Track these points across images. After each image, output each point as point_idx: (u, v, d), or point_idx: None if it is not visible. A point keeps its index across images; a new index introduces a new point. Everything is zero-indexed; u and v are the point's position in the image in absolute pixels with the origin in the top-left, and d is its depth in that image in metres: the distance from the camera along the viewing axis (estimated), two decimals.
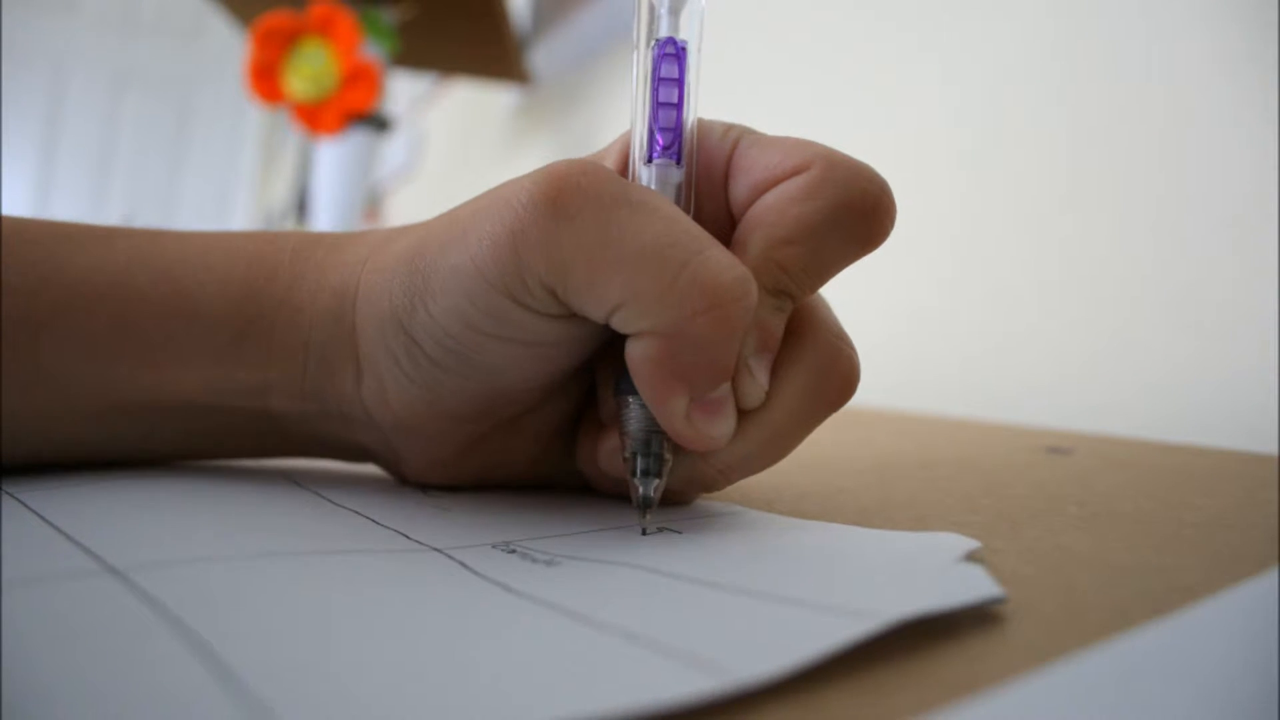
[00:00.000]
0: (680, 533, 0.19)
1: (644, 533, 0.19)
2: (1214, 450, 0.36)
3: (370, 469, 0.26)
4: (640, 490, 0.19)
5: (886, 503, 0.24)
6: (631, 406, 0.19)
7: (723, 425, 0.19)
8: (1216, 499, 0.25)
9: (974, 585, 0.15)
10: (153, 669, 0.11)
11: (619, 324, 0.18)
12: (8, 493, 0.19)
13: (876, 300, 0.67)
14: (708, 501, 0.23)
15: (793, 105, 0.82)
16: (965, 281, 0.63)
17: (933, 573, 0.16)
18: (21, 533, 0.16)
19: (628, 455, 0.20)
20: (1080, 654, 0.12)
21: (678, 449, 0.20)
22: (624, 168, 0.21)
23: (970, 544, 0.17)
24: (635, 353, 0.18)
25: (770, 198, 0.19)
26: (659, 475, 0.19)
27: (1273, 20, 0.45)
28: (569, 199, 0.17)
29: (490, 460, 0.23)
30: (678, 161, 0.20)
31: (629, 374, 0.19)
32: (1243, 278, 0.46)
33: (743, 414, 0.19)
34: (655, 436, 0.19)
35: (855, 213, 0.19)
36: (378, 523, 0.20)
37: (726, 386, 0.19)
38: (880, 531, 0.19)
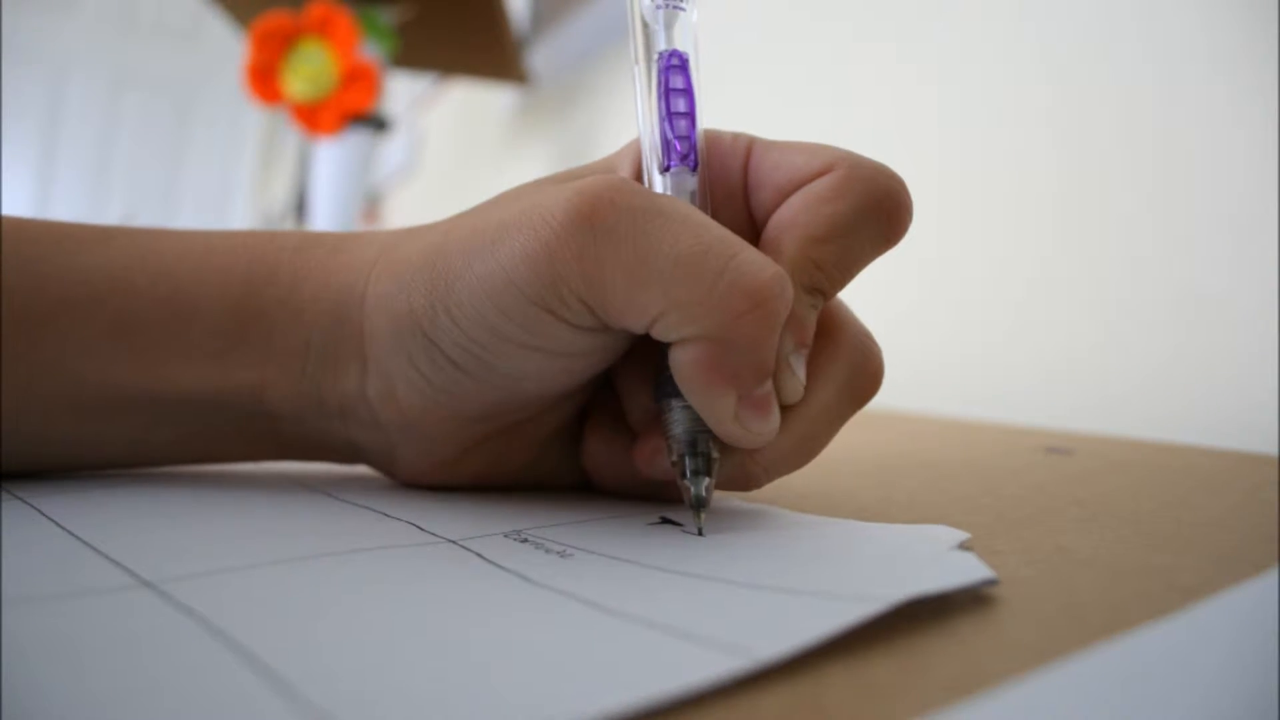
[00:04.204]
0: (681, 525, 0.20)
1: (700, 533, 0.19)
2: (1214, 450, 0.36)
3: (369, 468, 0.26)
4: (693, 490, 0.19)
5: (886, 503, 0.24)
6: (675, 410, 0.20)
7: (769, 421, 0.19)
8: (1216, 499, 0.25)
9: (967, 569, 0.15)
10: (203, 680, 0.11)
11: (660, 333, 0.18)
12: (27, 501, 0.19)
13: (876, 300, 0.67)
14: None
15: (792, 109, 0.82)
16: (965, 281, 0.63)
17: (927, 559, 0.16)
18: (45, 543, 0.16)
19: (675, 458, 0.20)
20: (1080, 654, 0.12)
21: (723, 447, 0.20)
22: (638, 177, 0.21)
23: (960, 535, 0.18)
24: (681, 359, 0.18)
25: (798, 199, 0.20)
26: (709, 474, 0.20)
27: (1272, 19, 0.45)
28: (604, 215, 0.17)
29: (489, 461, 0.23)
30: (693, 169, 0.20)
31: (669, 378, 0.19)
32: (1243, 277, 0.46)
33: (783, 410, 0.20)
34: (702, 437, 0.19)
35: (881, 210, 0.20)
36: (390, 516, 0.20)
37: (769, 383, 0.19)
38: (875, 524, 0.20)
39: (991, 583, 0.15)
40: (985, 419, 0.55)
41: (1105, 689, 0.11)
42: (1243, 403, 0.45)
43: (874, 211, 0.20)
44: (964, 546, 0.17)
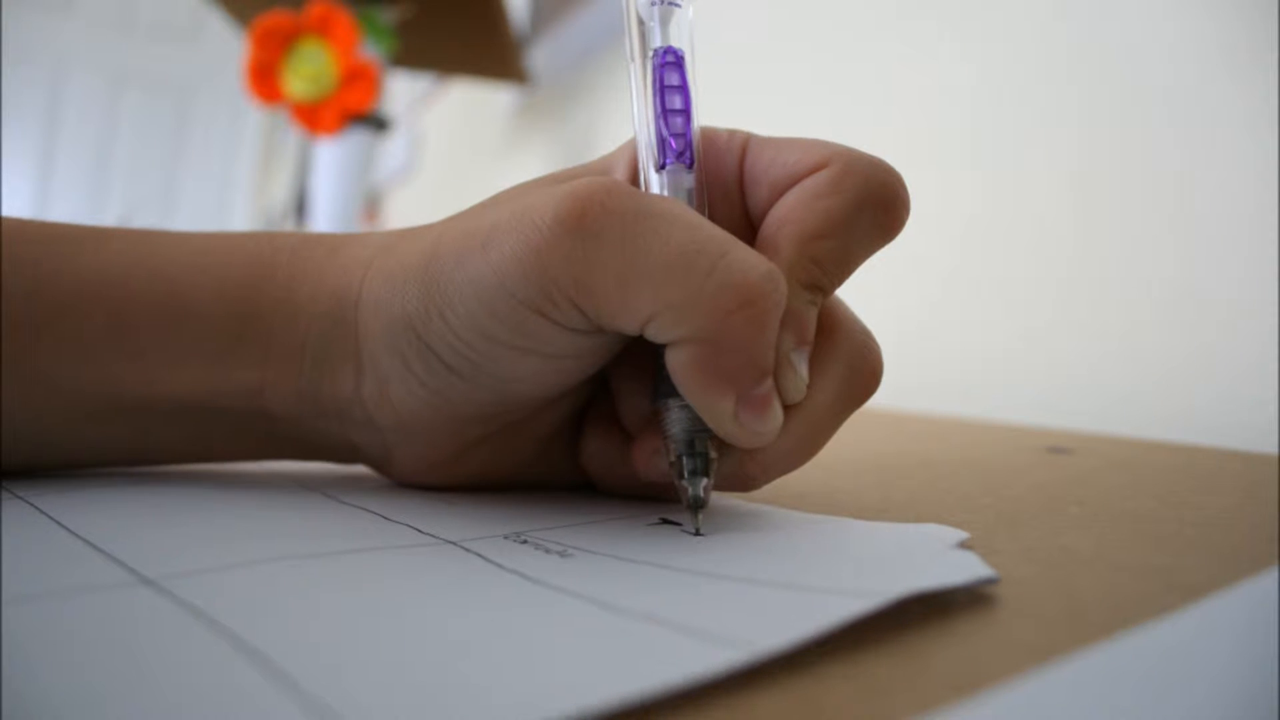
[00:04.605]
0: (680, 524, 0.20)
1: (697, 533, 0.19)
2: (1214, 450, 0.36)
3: (366, 468, 0.26)
4: (690, 491, 0.19)
5: (886, 503, 0.24)
6: (672, 410, 0.19)
7: (770, 421, 0.19)
8: (1216, 499, 0.25)
9: (967, 567, 0.15)
10: (204, 675, 0.11)
11: (654, 334, 0.18)
12: (26, 500, 0.19)
13: (876, 301, 0.67)
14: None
15: (799, 106, 0.82)
16: (965, 283, 0.63)
17: (928, 557, 0.16)
18: (47, 543, 0.16)
19: (673, 459, 0.20)
20: (1080, 654, 0.12)
21: (722, 447, 0.20)
22: (634, 177, 0.21)
23: (960, 534, 0.18)
24: (676, 360, 0.18)
25: (794, 195, 0.20)
26: (707, 474, 0.19)
27: (1273, 20, 0.45)
28: (593, 218, 0.17)
29: (486, 462, 0.23)
30: (689, 166, 0.20)
31: (666, 379, 0.19)
32: (1243, 277, 0.46)
33: (785, 409, 0.19)
34: (699, 437, 0.19)
35: (878, 204, 0.20)
36: (389, 518, 0.20)
37: (769, 382, 0.19)
38: (875, 523, 0.20)
39: (992, 581, 0.15)
40: (986, 419, 0.55)
41: (1105, 689, 0.11)
42: (1243, 403, 0.45)
43: (871, 206, 0.19)
44: (963, 545, 0.17)
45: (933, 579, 0.14)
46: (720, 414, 0.18)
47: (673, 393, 0.19)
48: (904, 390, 0.62)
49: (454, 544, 0.18)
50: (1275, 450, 0.38)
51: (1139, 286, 0.51)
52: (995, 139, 0.61)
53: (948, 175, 0.64)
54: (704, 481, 0.19)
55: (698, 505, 0.19)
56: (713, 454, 0.20)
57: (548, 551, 0.17)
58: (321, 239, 0.23)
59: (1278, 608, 0.14)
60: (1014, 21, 0.61)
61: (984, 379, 0.60)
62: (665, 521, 0.20)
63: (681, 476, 0.19)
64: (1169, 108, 0.50)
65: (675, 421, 0.19)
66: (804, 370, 0.20)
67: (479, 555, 0.17)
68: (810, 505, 0.23)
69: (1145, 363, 0.50)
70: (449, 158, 1.79)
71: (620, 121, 1.12)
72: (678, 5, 0.20)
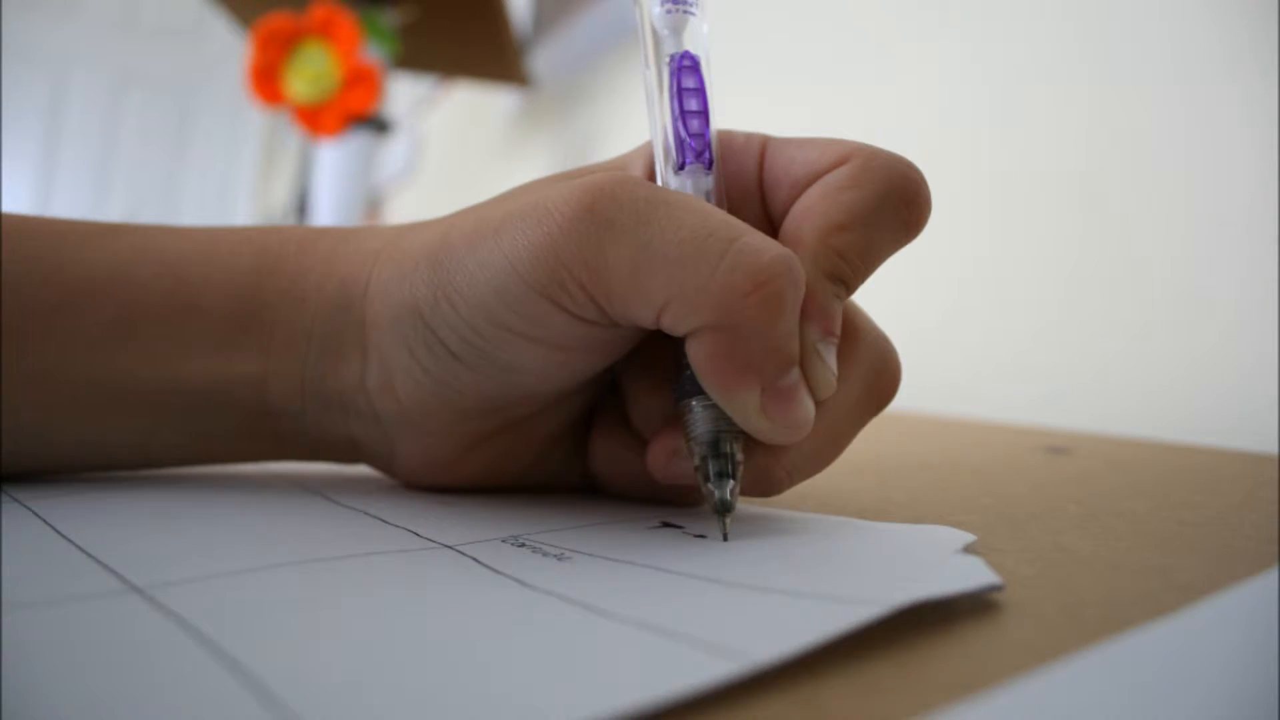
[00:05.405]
0: (683, 527, 0.20)
1: (725, 538, 0.18)
2: (1214, 450, 0.36)
3: (368, 469, 0.26)
4: (716, 495, 0.18)
5: (886, 502, 0.24)
6: (695, 410, 0.19)
7: (799, 412, 0.18)
8: (1216, 499, 0.25)
9: (973, 574, 0.15)
10: (186, 687, 0.10)
11: (669, 324, 0.18)
12: (24, 504, 0.19)
13: (876, 302, 0.67)
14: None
15: (808, 106, 0.82)
16: (965, 284, 0.63)
17: (933, 562, 0.16)
18: (38, 547, 0.16)
19: (698, 462, 0.19)
20: (1080, 654, 0.12)
21: (748, 447, 0.19)
22: (650, 177, 0.21)
23: (966, 537, 0.18)
24: (696, 352, 0.18)
25: (816, 190, 0.20)
26: (734, 477, 0.18)
27: (1274, 21, 0.45)
28: (606, 205, 0.17)
29: (490, 462, 0.23)
30: (708, 167, 0.20)
31: (689, 377, 0.18)
32: (1243, 278, 0.46)
33: (816, 406, 0.19)
34: (725, 437, 0.19)
35: (900, 199, 0.19)
36: (387, 522, 0.20)
37: (796, 372, 0.18)
38: (879, 524, 0.20)
39: (997, 588, 0.15)
40: (985, 419, 0.55)
41: (1105, 689, 0.11)
42: (1243, 403, 0.45)
43: (893, 198, 0.19)
44: (969, 549, 0.17)
45: (937, 586, 0.14)
46: (745, 407, 0.18)
47: (696, 392, 0.19)
48: (904, 390, 0.62)
49: (450, 548, 0.18)
50: (1275, 450, 0.38)
51: (1139, 287, 0.51)
52: (997, 140, 0.61)
53: (949, 176, 0.64)
54: (731, 484, 0.18)
55: (725, 510, 0.18)
56: (739, 456, 0.19)
57: (545, 555, 0.17)
58: (329, 232, 0.24)
59: (1278, 608, 0.14)
60: (1017, 22, 0.61)
61: (984, 379, 0.60)
62: (666, 525, 0.20)
63: (707, 480, 0.19)
64: (1170, 109, 0.50)
65: (699, 422, 0.19)
66: (832, 362, 0.19)
67: (475, 560, 0.17)
68: (810, 505, 0.23)
69: (1145, 363, 0.50)
70: (450, 160, 1.79)
71: (622, 124, 1.12)
72: (692, 13, 0.20)
